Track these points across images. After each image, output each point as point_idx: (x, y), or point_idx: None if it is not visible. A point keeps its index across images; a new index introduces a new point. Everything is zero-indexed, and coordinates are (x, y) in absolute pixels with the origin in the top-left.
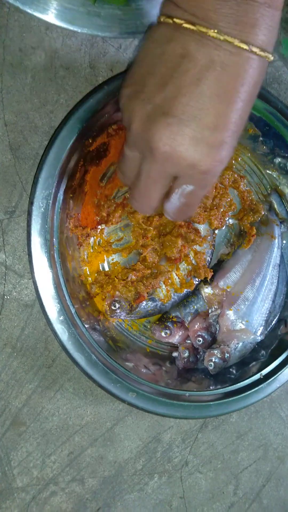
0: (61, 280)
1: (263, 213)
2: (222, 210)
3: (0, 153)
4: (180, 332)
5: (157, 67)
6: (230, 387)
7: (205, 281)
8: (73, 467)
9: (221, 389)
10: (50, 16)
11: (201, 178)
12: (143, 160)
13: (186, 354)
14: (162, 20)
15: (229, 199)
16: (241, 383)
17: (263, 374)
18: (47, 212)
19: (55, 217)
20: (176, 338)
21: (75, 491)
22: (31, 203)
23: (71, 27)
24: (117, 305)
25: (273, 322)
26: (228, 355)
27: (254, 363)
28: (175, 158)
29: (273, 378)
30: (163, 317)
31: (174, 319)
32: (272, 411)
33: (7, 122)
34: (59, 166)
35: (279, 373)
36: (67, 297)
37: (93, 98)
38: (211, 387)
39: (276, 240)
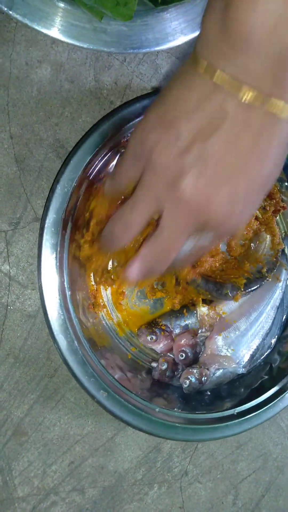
0: (68, 295)
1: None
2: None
3: (6, 165)
4: (166, 341)
5: (194, 117)
6: (200, 415)
7: (204, 301)
8: (74, 477)
9: (189, 414)
10: (57, 33)
11: (225, 232)
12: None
13: (164, 367)
14: (201, 68)
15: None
16: (213, 414)
17: (237, 411)
18: (58, 234)
19: (65, 239)
20: (160, 346)
21: (75, 501)
22: (42, 227)
23: (77, 43)
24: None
25: (258, 360)
26: (205, 378)
27: (229, 399)
28: (208, 210)
29: (247, 417)
30: (152, 322)
31: (163, 327)
32: (272, 421)
33: (12, 135)
34: (70, 191)
35: (253, 413)
36: (71, 310)
37: (106, 124)
38: (178, 409)
39: (281, 283)
